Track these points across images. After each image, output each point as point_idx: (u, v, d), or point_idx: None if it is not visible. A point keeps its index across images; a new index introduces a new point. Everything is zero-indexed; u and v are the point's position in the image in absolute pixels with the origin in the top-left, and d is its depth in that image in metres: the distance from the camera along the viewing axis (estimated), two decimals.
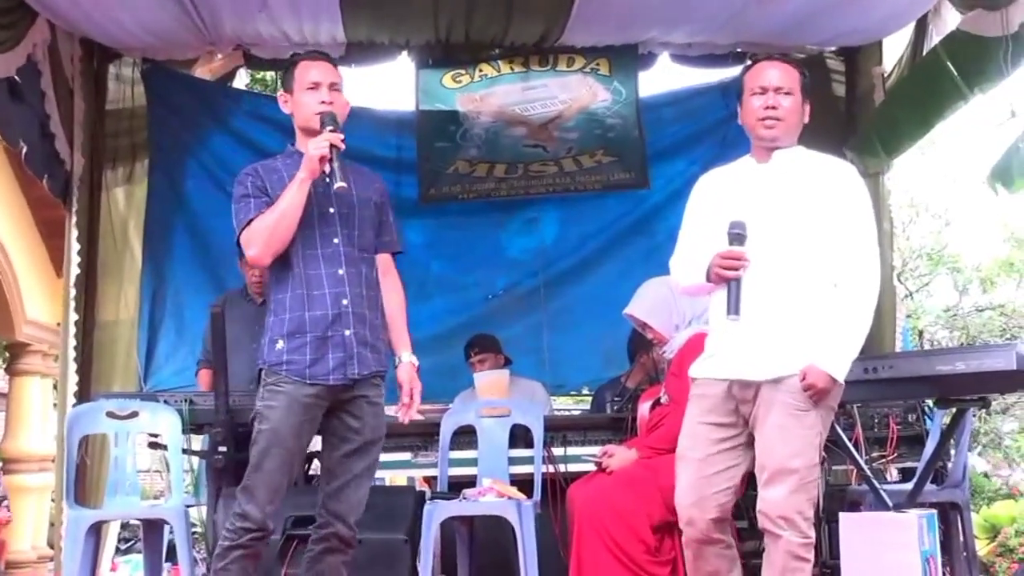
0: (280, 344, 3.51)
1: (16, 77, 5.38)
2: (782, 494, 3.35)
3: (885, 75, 6.50)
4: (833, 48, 6.76)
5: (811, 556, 3.39)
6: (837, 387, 3.42)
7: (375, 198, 3.75)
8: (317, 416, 3.53)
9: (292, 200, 3.49)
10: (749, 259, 3.44)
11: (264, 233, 3.50)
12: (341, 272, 3.57)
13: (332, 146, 3.48)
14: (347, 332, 3.53)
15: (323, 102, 3.60)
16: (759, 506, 3.42)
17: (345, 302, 3.54)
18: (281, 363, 3.49)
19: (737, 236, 3.48)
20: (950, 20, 5.57)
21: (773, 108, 3.52)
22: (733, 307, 3.45)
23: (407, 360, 3.76)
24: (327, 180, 3.50)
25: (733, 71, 6.89)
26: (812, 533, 3.39)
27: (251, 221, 3.54)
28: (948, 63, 5.42)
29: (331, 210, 3.61)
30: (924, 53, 5.91)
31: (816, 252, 3.45)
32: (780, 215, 3.50)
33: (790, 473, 3.35)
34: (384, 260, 3.78)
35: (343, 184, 3.46)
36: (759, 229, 3.49)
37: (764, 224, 3.50)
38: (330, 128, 3.52)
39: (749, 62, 6.78)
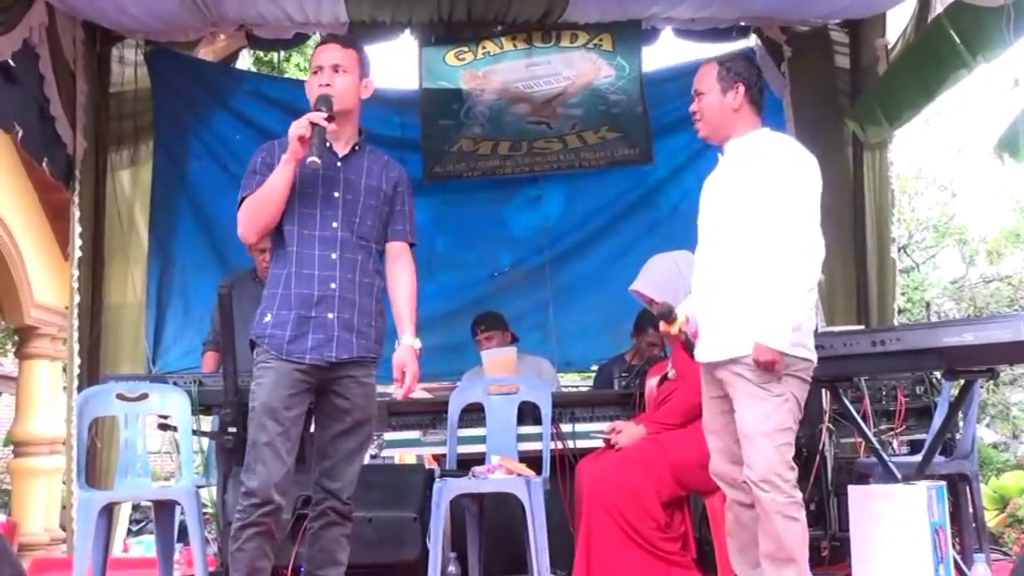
0: (268, 317, 3.56)
1: (10, 61, 5.37)
2: (758, 458, 3.49)
3: (889, 47, 6.48)
4: (837, 20, 6.73)
5: (801, 516, 3.50)
6: (798, 357, 3.53)
7: (386, 188, 3.73)
8: (306, 391, 3.55)
9: (275, 180, 3.52)
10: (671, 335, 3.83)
11: (248, 212, 3.57)
12: (334, 256, 3.59)
13: (314, 125, 3.48)
14: (330, 315, 3.56)
15: (321, 84, 3.61)
16: (744, 475, 3.54)
17: (333, 286, 3.57)
18: (264, 336, 3.54)
19: (662, 316, 3.86)
20: None
21: (694, 113, 3.86)
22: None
23: (407, 343, 3.74)
24: (323, 160, 3.51)
25: (737, 45, 6.87)
26: (797, 493, 3.50)
27: (244, 199, 3.59)
28: (951, 32, 5.40)
29: (336, 194, 3.62)
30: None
31: (754, 236, 3.59)
32: (724, 204, 3.71)
33: (762, 437, 3.49)
34: (396, 247, 3.78)
35: (316, 160, 3.47)
36: (712, 220, 3.76)
37: (714, 215, 3.75)
38: (319, 108, 3.52)
39: (754, 36, 6.82)
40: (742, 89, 3.74)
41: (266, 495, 3.42)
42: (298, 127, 3.47)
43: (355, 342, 3.60)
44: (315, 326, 3.54)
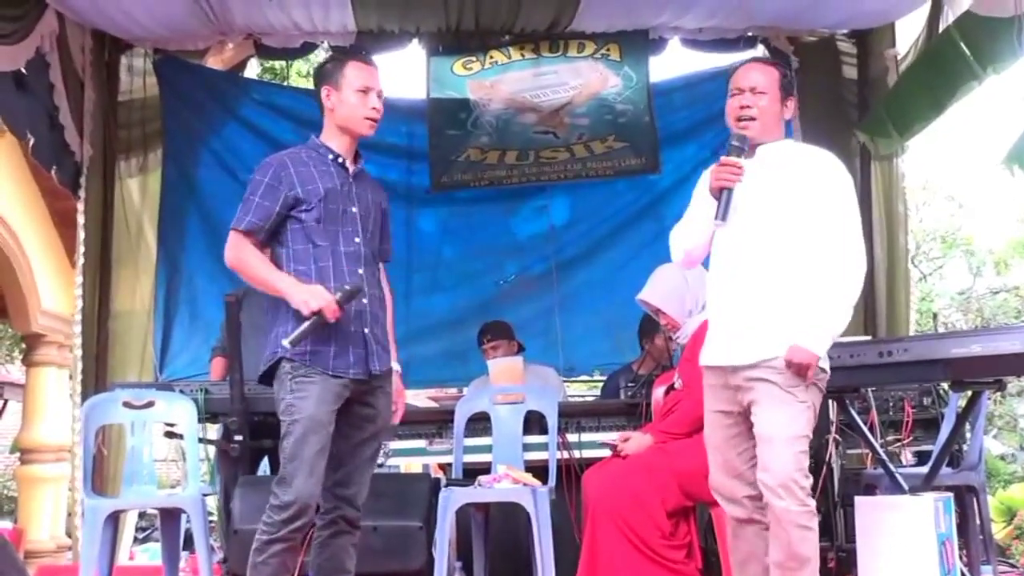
0: None
1: (23, 69, 5.39)
2: (778, 462, 3.41)
3: (898, 57, 6.47)
4: (844, 31, 6.73)
5: (814, 525, 3.43)
6: (819, 367, 3.49)
7: (383, 205, 3.82)
8: (339, 406, 3.56)
9: (266, 282, 3.56)
10: (744, 169, 3.58)
11: (241, 265, 3.60)
12: (361, 271, 3.63)
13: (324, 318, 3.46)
14: (365, 329, 3.60)
15: (374, 108, 3.65)
16: (759, 478, 3.47)
17: (365, 301, 3.61)
18: (305, 353, 3.51)
19: (736, 148, 3.62)
20: (964, 1, 5.53)
21: (747, 108, 3.65)
22: (721, 213, 3.60)
23: (395, 369, 3.81)
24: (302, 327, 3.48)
25: (744, 55, 6.85)
26: (811, 502, 3.44)
27: (247, 231, 3.57)
28: (961, 44, 5.40)
29: (353, 209, 3.66)
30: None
31: (795, 241, 3.53)
32: (760, 207, 3.59)
33: (784, 441, 3.42)
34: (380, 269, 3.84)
35: (289, 345, 3.48)
36: (740, 220, 3.60)
37: (745, 216, 3.60)
38: (342, 302, 3.49)
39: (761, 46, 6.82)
40: (792, 104, 3.73)
41: (302, 509, 3.42)
42: (333, 312, 3.45)
43: (384, 354, 3.67)
44: (354, 341, 3.57)
